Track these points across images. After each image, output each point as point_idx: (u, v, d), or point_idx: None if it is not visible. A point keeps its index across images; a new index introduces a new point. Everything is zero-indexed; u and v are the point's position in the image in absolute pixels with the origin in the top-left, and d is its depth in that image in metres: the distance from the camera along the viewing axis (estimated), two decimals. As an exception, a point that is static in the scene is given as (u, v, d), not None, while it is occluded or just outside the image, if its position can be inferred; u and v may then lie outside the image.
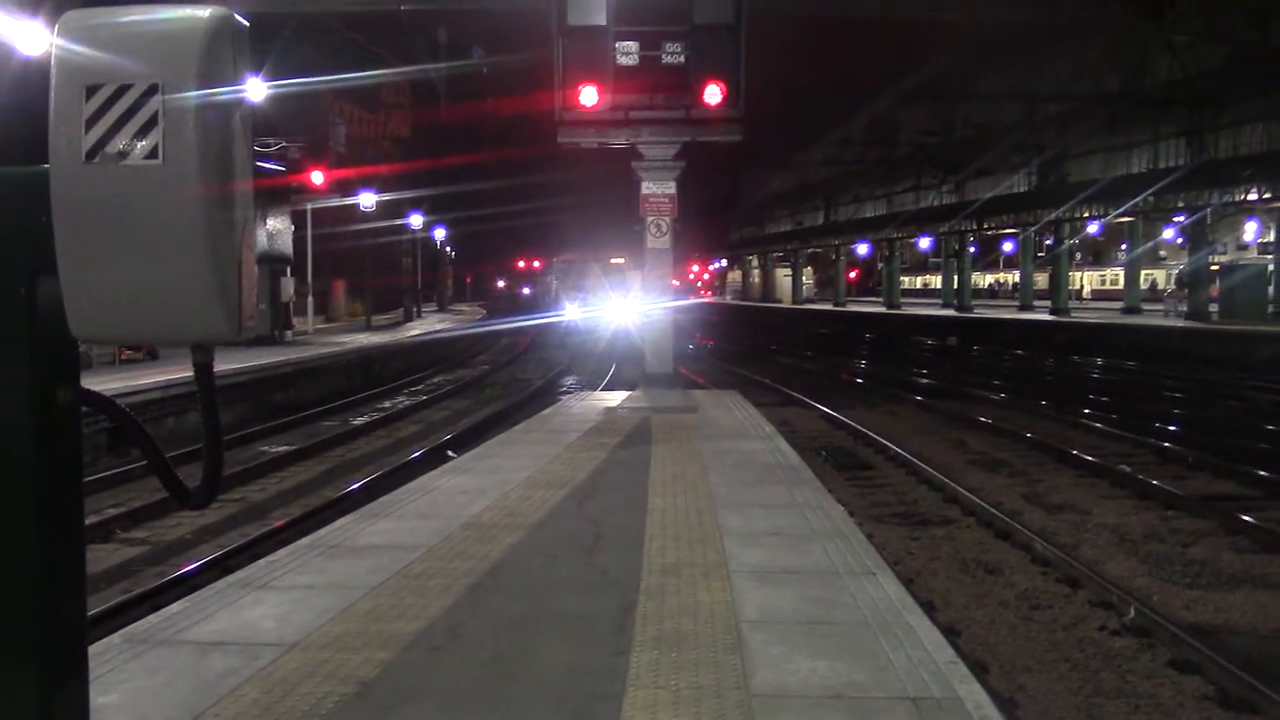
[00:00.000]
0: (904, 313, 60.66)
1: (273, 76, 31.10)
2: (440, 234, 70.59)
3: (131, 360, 24.50)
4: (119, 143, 1.68)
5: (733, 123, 17.21)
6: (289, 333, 37.34)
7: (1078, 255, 66.10)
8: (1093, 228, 52.88)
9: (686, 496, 9.56)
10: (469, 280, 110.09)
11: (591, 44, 16.58)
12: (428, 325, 53.33)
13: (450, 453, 16.41)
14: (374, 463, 17.40)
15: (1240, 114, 39.06)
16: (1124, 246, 54.43)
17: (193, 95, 1.68)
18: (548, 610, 6.13)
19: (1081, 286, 68.89)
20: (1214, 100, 38.83)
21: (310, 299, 42.94)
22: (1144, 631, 8.34)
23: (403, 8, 25.08)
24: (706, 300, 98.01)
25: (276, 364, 25.17)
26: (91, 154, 1.69)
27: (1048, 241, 52.71)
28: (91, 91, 1.69)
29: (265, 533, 12.04)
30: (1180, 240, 48.98)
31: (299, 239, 40.94)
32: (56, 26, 1.73)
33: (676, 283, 22.60)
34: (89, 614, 2.16)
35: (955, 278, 61.03)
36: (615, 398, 18.46)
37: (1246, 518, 11.70)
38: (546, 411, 17.60)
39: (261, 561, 7.60)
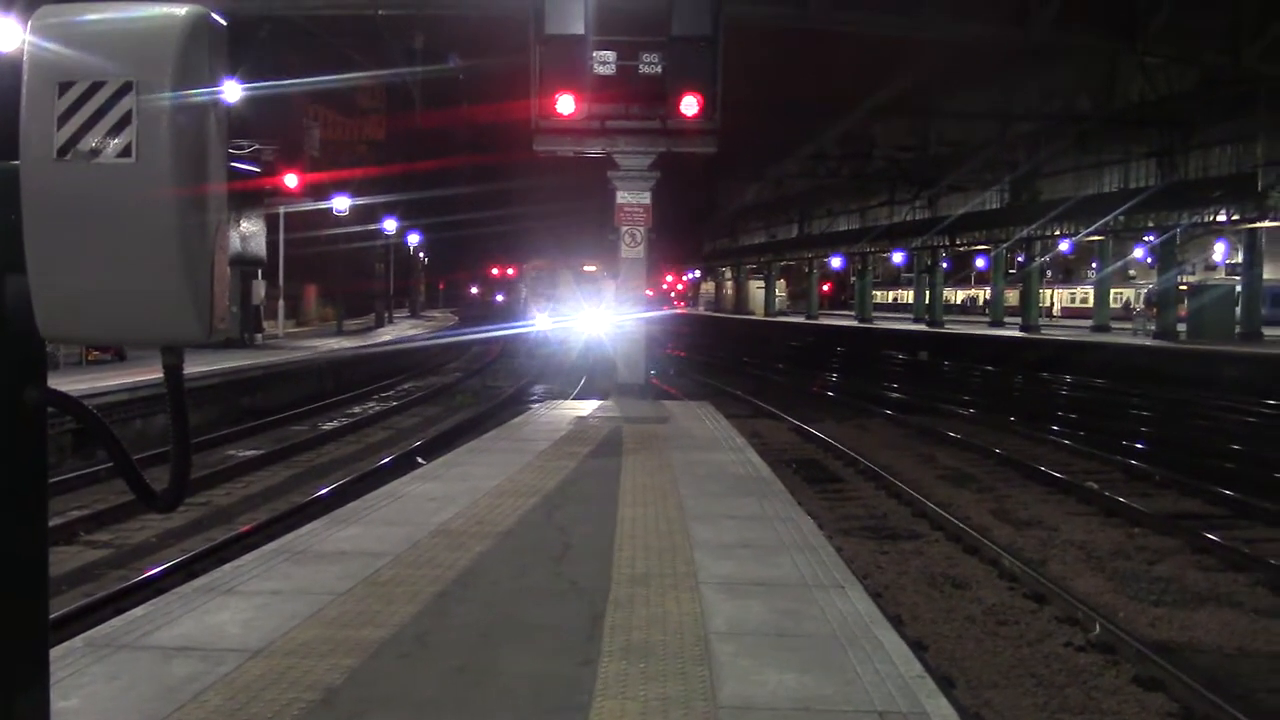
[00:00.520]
0: (876, 327, 60.88)
1: (248, 78, 30.98)
2: (414, 239, 70.43)
3: (99, 361, 24.28)
4: (91, 140, 1.66)
5: (708, 134, 17.23)
6: (259, 336, 37.12)
7: (1049, 273, 66.50)
8: (1064, 246, 53.25)
9: (656, 507, 9.54)
10: (441, 286, 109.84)
11: (569, 53, 16.56)
12: (399, 331, 53.17)
13: (420, 459, 16.34)
14: (343, 468, 17.30)
15: (1210, 136, 39.42)
16: (1094, 265, 54.86)
17: (167, 94, 1.66)
18: (516, 619, 6.10)
19: (1052, 304, 69.36)
20: (1184, 122, 39.17)
21: (281, 303, 42.70)
22: (1109, 648, 8.39)
23: (379, 12, 25.02)
24: (680, 311, 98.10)
25: (246, 367, 25.01)
26: (63, 151, 1.67)
27: (1019, 258, 53.04)
28: (64, 88, 1.67)
29: (231, 537, 11.95)
30: (1150, 260, 49.41)
31: (271, 242, 40.71)
32: (30, 21, 1.70)
33: (650, 293, 22.60)
34: (50, 617, 2.12)
35: (927, 293, 61.31)
36: (586, 407, 18.44)
37: (1212, 536, 11.81)
38: (517, 420, 17.56)
39: (227, 566, 7.54)
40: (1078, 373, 34.44)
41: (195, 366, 21.95)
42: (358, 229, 52.43)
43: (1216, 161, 39.65)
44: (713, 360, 46.61)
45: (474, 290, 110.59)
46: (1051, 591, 9.84)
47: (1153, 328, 41.88)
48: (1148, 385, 29.62)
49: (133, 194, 1.67)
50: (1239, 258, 49.43)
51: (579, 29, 16.57)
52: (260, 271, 38.07)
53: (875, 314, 70.43)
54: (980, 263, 70.43)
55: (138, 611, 6.27)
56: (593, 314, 34.09)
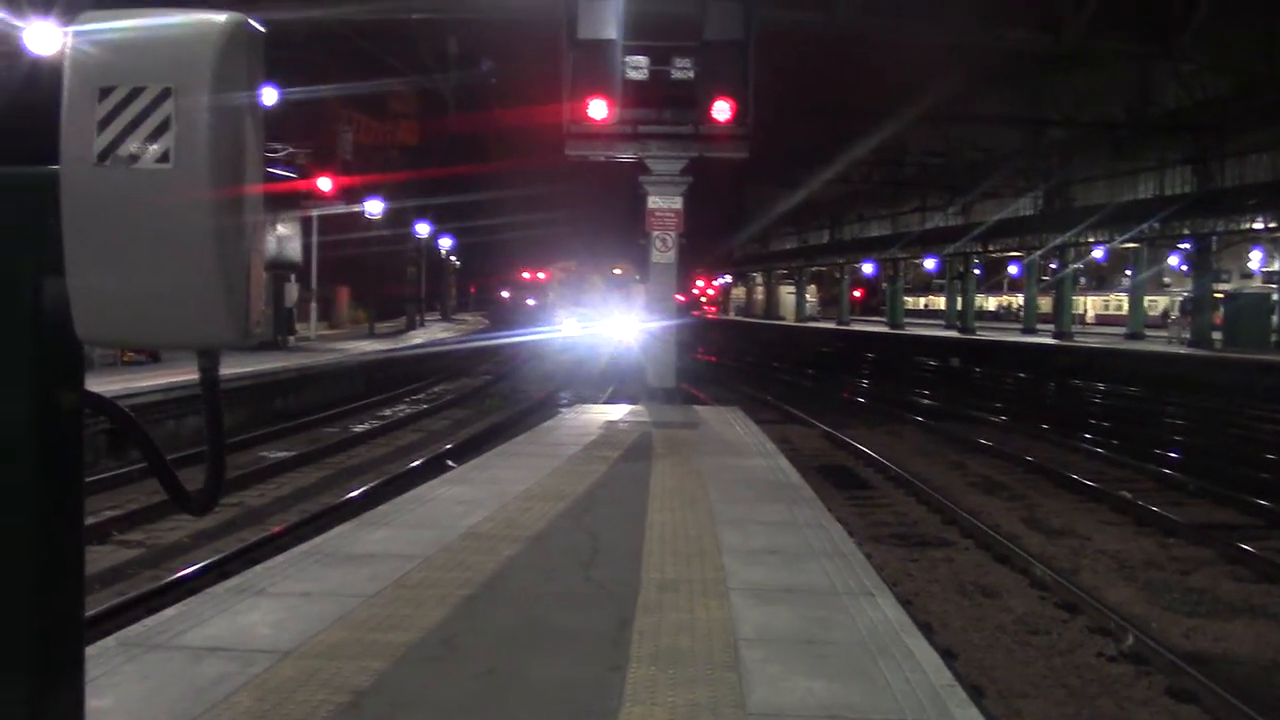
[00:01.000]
0: (907, 333, 60.64)
1: (283, 83, 31.18)
2: (445, 243, 70.70)
3: (134, 362, 24.50)
4: (130, 145, 1.68)
5: (740, 139, 17.23)
6: (292, 338, 37.34)
7: (1082, 280, 66.05)
8: (1097, 253, 52.89)
9: (686, 512, 9.53)
10: (473, 290, 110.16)
11: (601, 58, 16.61)
12: (430, 334, 53.37)
13: (450, 462, 16.40)
14: (373, 471, 17.37)
15: (1246, 143, 39.09)
16: (1128, 272, 54.43)
17: (206, 100, 1.67)
18: (544, 623, 6.11)
19: (1085, 311, 68.88)
20: (1220, 128, 38.87)
21: (314, 305, 42.94)
22: (1142, 659, 8.31)
23: (414, 17, 25.16)
24: (710, 316, 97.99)
25: (279, 369, 25.16)
26: (103, 156, 1.69)
27: (1052, 265, 52.71)
28: (104, 94, 1.69)
29: (263, 538, 12.03)
30: (1184, 267, 49.00)
31: (304, 245, 41.00)
32: (71, 28, 1.72)
33: (681, 298, 22.59)
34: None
35: (959, 299, 61.01)
36: (616, 411, 18.44)
37: (1246, 547, 11.68)
38: (547, 424, 17.59)
39: (258, 567, 7.58)
40: (1111, 380, 34.20)
41: (229, 368, 22.07)
42: (390, 232, 52.70)
43: (1253, 168, 39.31)
44: (743, 365, 46.55)
45: (505, 294, 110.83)
46: (1083, 601, 9.76)
47: (1187, 335, 41.54)
48: (1182, 393, 29.37)
49: (170, 199, 1.69)
50: (1275, 265, 49.02)
51: (611, 34, 16.61)
52: (294, 274, 38.32)
53: (906, 320, 70.13)
54: (1013, 269, 70.05)
55: (170, 612, 6.32)
56: (621, 319, 33.71)
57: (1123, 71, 42.14)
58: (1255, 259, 53.33)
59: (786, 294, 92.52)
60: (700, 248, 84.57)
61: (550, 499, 10.07)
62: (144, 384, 19.10)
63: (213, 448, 1.93)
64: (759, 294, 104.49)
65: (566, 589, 6.90)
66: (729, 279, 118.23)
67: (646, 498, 10.24)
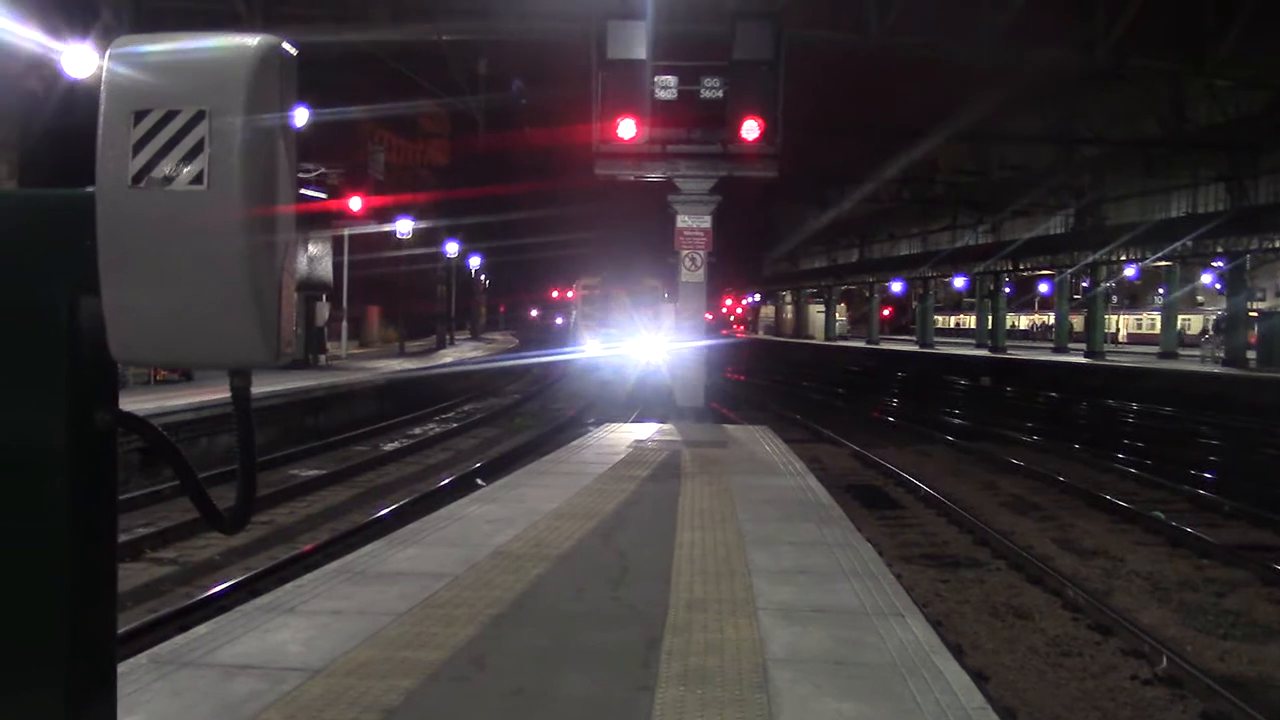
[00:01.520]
0: (937, 352, 60.36)
1: (315, 103, 31.42)
2: (475, 262, 70.99)
3: (167, 380, 24.69)
4: (165, 168, 1.70)
5: (769, 159, 17.25)
6: (323, 357, 37.56)
7: (1114, 298, 65.62)
8: (1129, 271, 52.51)
9: (715, 531, 9.51)
10: (502, 309, 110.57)
11: (630, 77, 16.67)
12: (460, 353, 53.54)
13: (479, 481, 16.43)
14: (403, 489, 17.43)
15: (1281, 160, 38.81)
16: (1161, 290, 54.02)
17: (239, 122, 1.69)
18: (573, 643, 6.10)
19: (1117, 330, 68.38)
20: (1254, 145, 38.57)
21: (345, 324, 43.17)
22: (1176, 682, 8.22)
23: (444, 38, 25.31)
24: (739, 335, 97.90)
25: (310, 388, 25.31)
26: (138, 178, 1.71)
27: (1084, 284, 52.37)
28: (140, 116, 1.71)
29: (293, 556, 12.08)
30: (1218, 285, 48.58)
31: (335, 264, 41.24)
32: (107, 52, 1.75)
33: (710, 317, 22.58)
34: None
35: (990, 318, 60.71)
36: (645, 430, 18.43)
37: (1283, 569, 11.54)
38: (575, 442, 17.60)
39: (288, 585, 7.62)
40: (1144, 399, 33.89)
41: (260, 387, 22.17)
42: (420, 251, 52.94)
43: (1288, 186, 38.98)
44: (772, 384, 46.46)
45: (534, 313, 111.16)
46: (1117, 623, 9.66)
47: (1221, 354, 41.14)
48: (1216, 413, 29.06)
49: (204, 220, 1.70)
50: (1311, 284, 48.49)
51: (640, 54, 16.67)
52: (325, 294, 38.55)
53: (936, 339, 69.82)
54: (1044, 288, 69.64)
55: (201, 629, 6.36)
56: (648, 339, 33.10)
57: (1156, 89, 41.89)
58: (1290, 278, 52.82)
59: (816, 313, 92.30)
60: (729, 266, 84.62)
61: (579, 518, 10.07)
62: (176, 402, 19.24)
63: (244, 466, 1.95)
64: (788, 313, 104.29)
65: (595, 608, 6.90)
66: (758, 298, 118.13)
67: (675, 517, 10.23)
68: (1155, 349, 49.58)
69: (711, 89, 16.94)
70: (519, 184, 73.66)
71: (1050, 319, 65.11)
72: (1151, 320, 64.42)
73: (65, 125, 18.97)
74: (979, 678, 7.56)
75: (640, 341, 35.53)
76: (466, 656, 5.77)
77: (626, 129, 16.56)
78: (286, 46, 1.80)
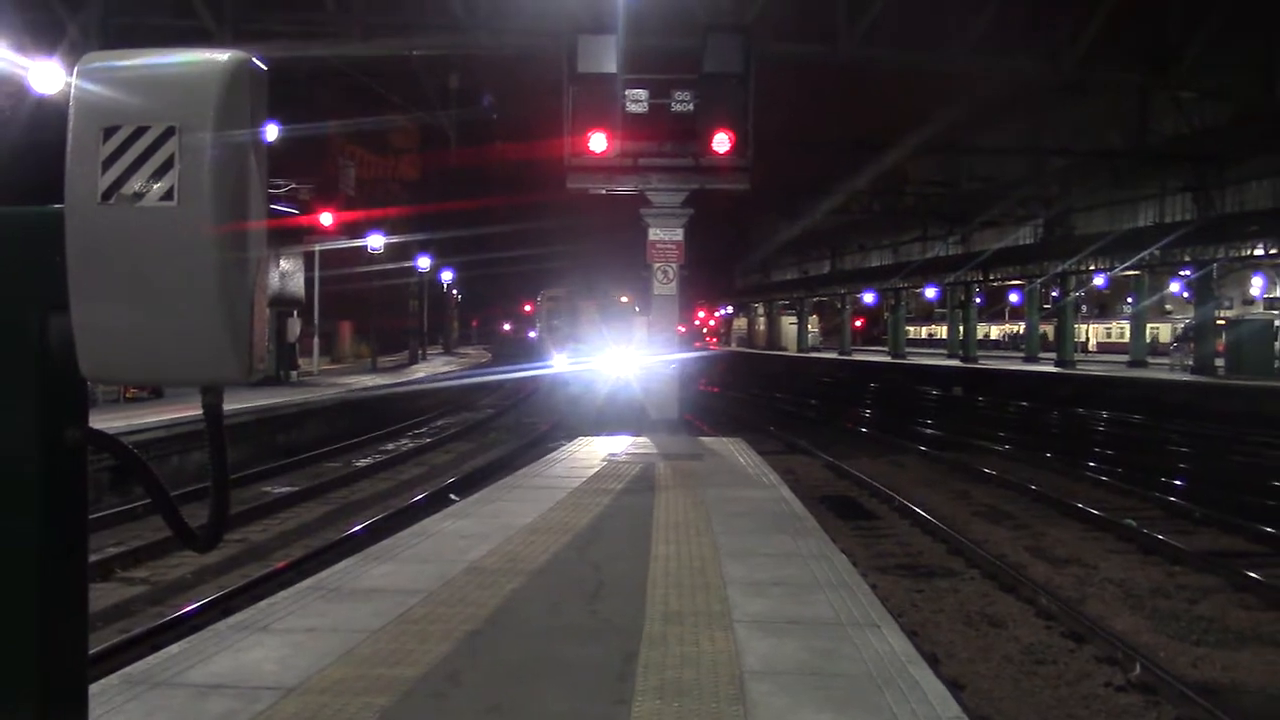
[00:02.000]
0: (909, 362, 60.65)
1: (285, 119, 31.33)
2: (447, 277, 70.87)
3: (136, 398, 24.50)
4: (135, 184, 1.69)
5: (741, 171, 17.29)
6: (294, 373, 37.37)
7: (1083, 308, 66.11)
8: (1098, 280, 52.95)
9: (690, 544, 9.51)
10: (475, 323, 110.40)
11: (601, 91, 16.68)
12: (433, 368, 53.40)
13: (453, 496, 16.37)
14: (376, 505, 17.35)
15: (1246, 170, 39.24)
16: (1130, 299, 54.49)
17: (210, 138, 1.68)
18: (549, 657, 6.08)
19: (1087, 339, 68.89)
20: (1220, 156, 39.00)
21: (316, 340, 42.99)
22: (1150, 689, 8.26)
23: (415, 53, 25.29)
24: (712, 348, 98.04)
25: (281, 405, 25.17)
26: (107, 195, 1.70)
27: (1054, 293, 52.76)
28: (109, 133, 1.70)
29: (266, 574, 11.99)
30: (1186, 294, 49.04)
31: (306, 280, 41.10)
32: (76, 68, 1.74)
33: (682, 329, 22.57)
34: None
35: (961, 328, 61.06)
36: (619, 444, 18.42)
37: (1254, 574, 11.63)
38: (549, 456, 17.57)
39: (262, 603, 7.56)
40: (1114, 408, 34.16)
41: (231, 404, 22.03)
42: (392, 266, 52.82)
43: (1253, 195, 39.45)
44: (746, 396, 46.53)
45: (507, 327, 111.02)
46: (1090, 630, 9.71)
47: (1190, 363, 41.53)
48: (1185, 420, 29.33)
49: (175, 237, 1.69)
50: (1277, 292, 49.04)
51: (611, 67, 16.69)
52: (296, 310, 38.38)
53: (908, 349, 70.16)
54: (1014, 297, 70.12)
55: (173, 649, 6.30)
56: (619, 353, 32.25)
57: (1122, 100, 42.29)
58: (1257, 285, 53.36)
59: (788, 324, 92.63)
60: (702, 279, 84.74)
61: (554, 532, 10.05)
62: (147, 420, 19.10)
63: (217, 483, 1.93)
64: (761, 325, 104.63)
65: (571, 623, 6.88)
66: (730, 310, 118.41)
67: (650, 530, 10.22)
68: (1125, 358, 50.01)
69: (682, 102, 16.98)
70: (491, 198, 73.64)
71: (1021, 329, 65.55)
72: (1121, 329, 64.96)
73: (33, 141, 18.86)
74: (954, 687, 7.58)
75: (609, 355, 34.32)
76: (442, 673, 5.75)
77: (598, 142, 16.57)
78: (256, 62, 1.79)
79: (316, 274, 41.70)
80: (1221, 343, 41.25)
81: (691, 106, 16.94)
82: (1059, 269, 47.85)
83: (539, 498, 12.31)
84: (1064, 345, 48.61)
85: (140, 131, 1.70)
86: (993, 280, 58.15)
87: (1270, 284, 51.72)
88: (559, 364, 41.43)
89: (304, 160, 43.17)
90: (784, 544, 9.63)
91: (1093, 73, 25.57)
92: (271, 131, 25.25)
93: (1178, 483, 19.04)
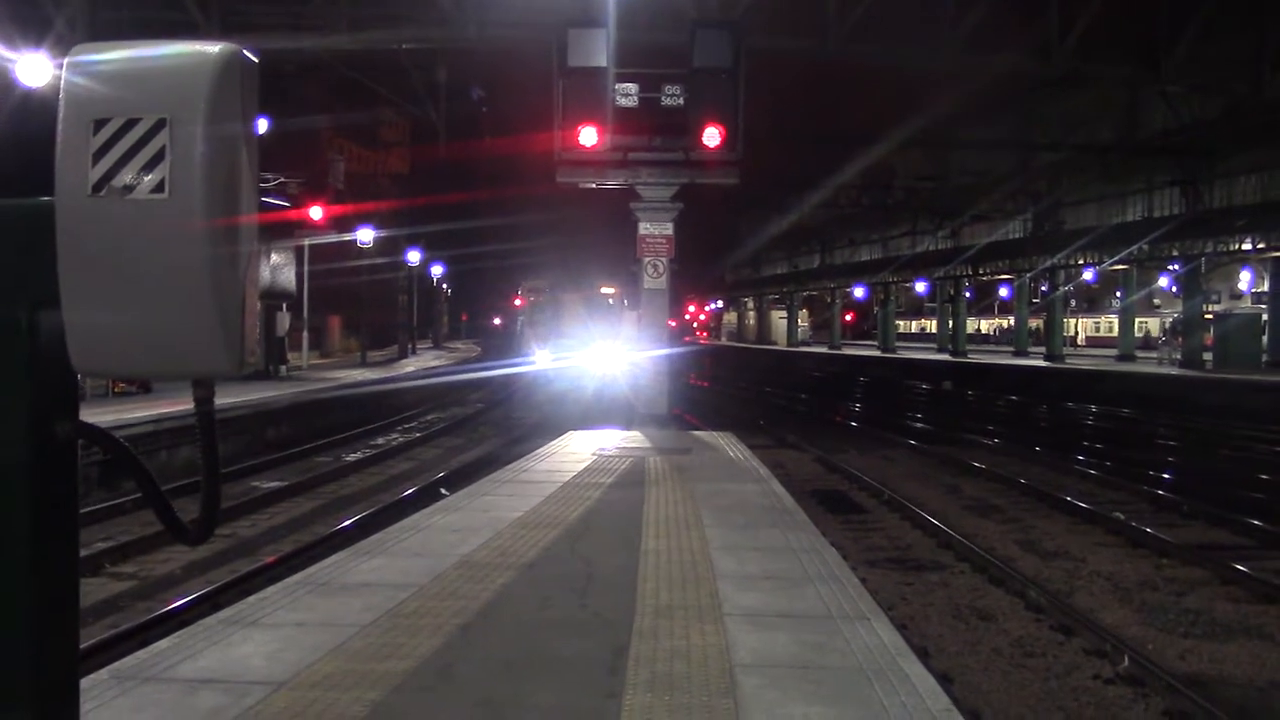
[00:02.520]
0: (899, 356, 60.74)
1: (275, 113, 31.27)
2: (437, 271, 70.73)
3: (125, 393, 24.44)
4: (125, 176, 1.68)
5: (731, 165, 17.29)
6: (284, 368, 37.29)
7: (1072, 302, 66.28)
8: (1087, 275, 53.11)
9: (680, 538, 9.52)
10: (465, 318, 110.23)
11: (591, 85, 16.66)
12: (423, 362, 53.33)
13: (443, 490, 16.36)
14: (366, 500, 17.33)
15: (1234, 164, 39.37)
16: (1118, 294, 54.67)
17: (200, 130, 1.68)
18: (540, 651, 6.08)
19: (1076, 333, 69.06)
20: (1208, 151, 39.11)
21: (305, 334, 42.88)
22: (1138, 681, 8.30)
23: (404, 46, 25.25)
24: (702, 342, 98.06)
25: (270, 399, 25.12)
26: (98, 188, 1.69)
27: (1043, 288, 52.89)
28: (99, 125, 1.69)
29: (256, 569, 11.98)
30: (1175, 288, 49.19)
31: (295, 274, 40.97)
32: (65, 60, 1.73)
33: (672, 324, 22.53)
34: (80, 650, 2.14)
35: (950, 322, 61.17)
36: (609, 438, 18.41)
37: (1241, 567, 11.68)
38: (539, 451, 17.55)
39: (251, 598, 7.55)
40: (1102, 402, 34.26)
41: (221, 398, 21.94)
42: (382, 261, 52.71)
43: (1241, 189, 39.57)
44: (736, 391, 46.56)
45: (497, 321, 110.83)
46: (1079, 623, 9.75)
47: (1178, 357, 41.66)
48: (1173, 414, 29.42)
49: (166, 229, 1.68)
50: (1264, 286, 49.20)
51: (601, 61, 16.67)
52: (286, 303, 38.28)
53: (898, 343, 70.26)
54: (1004, 292, 70.28)
55: (163, 644, 6.29)
56: (605, 348, 31.43)
57: (1111, 95, 42.41)
58: (1244, 280, 53.56)
59: (778, 319, 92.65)
60: (692, 272, 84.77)
61: (544, 526, 10.05)
62: (136, 414, 19.05)
63: (208, 478, 1.92)
64: (751, 319, 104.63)
65: (562, 616, 6.88)
66: (721, 304, 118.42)
67: (641, 524, 10.23)
68: (1114, 352, 50.15)
69: (672, 96, 16.97)
70: (481, 192, 73.47)
71: (1010, 323, 65.71)
72: (1110, 323, 65.15)
73: (21, 134, 18.77)
74: (944, 680, 7.60)
75: (596, 351, 32.96)
76: (433, 667, 5.74)
77: (588, 136, 16.55)
78: (247, 54, 1.78)
79: (306, 268, 41.59)
80: (1209, 337, 41.39)
81: (681, 101, 16.93)
82: (1048, 263, 47.97)
83: (529, 492, 12.31)
84: (1053, 339, 48.76)
85: (131, 124, 1.69)
86: (982, 275, 58.25)
87: (1258, 278, 51.87)
88: (541, 361, 39.07)
89: (293, 154, 43.02)
90: (774, 538, 9.64)
91: (1082, 67, 25.64)
92: (261, 125, 25.06)
93: (1166, 476, 19.11)
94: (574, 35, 16.72)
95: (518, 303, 46.07)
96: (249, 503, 16.27)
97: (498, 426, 30.03)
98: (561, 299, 40.92)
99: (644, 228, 17.94)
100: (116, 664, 5.89)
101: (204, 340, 1.72)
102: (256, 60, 1.81)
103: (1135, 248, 41.48)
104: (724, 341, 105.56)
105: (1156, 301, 64.59)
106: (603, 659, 5.93)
